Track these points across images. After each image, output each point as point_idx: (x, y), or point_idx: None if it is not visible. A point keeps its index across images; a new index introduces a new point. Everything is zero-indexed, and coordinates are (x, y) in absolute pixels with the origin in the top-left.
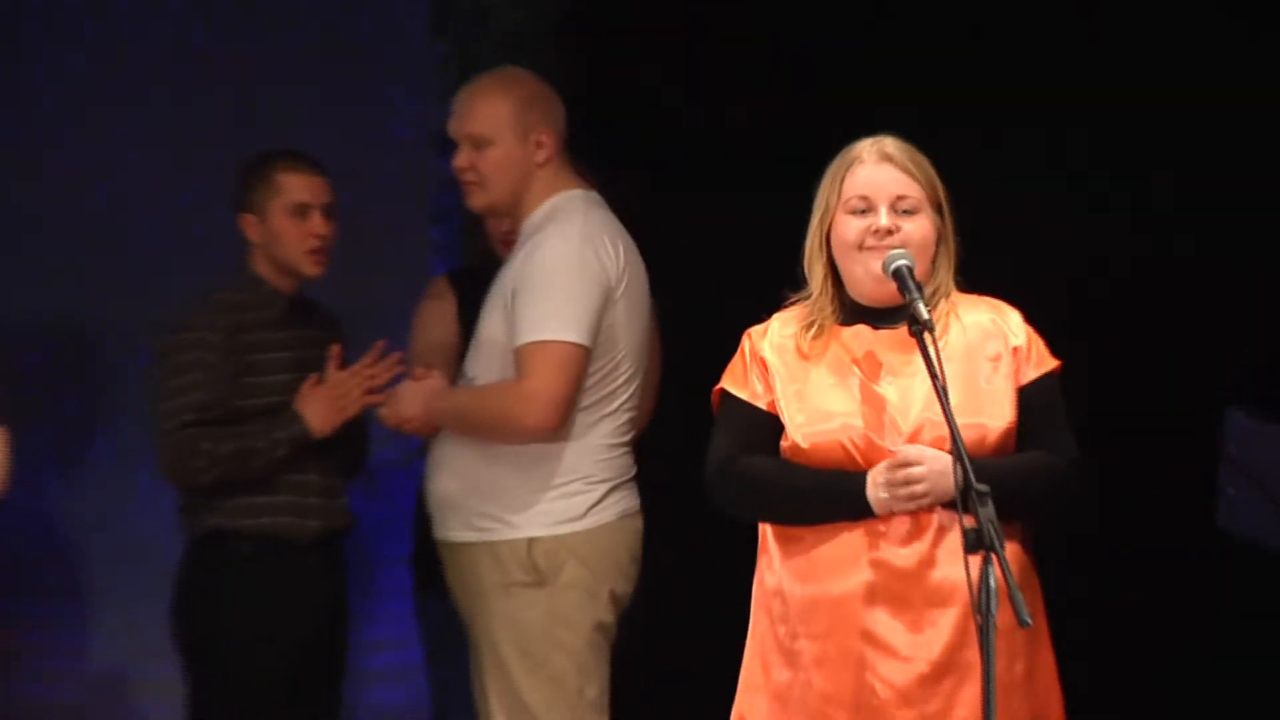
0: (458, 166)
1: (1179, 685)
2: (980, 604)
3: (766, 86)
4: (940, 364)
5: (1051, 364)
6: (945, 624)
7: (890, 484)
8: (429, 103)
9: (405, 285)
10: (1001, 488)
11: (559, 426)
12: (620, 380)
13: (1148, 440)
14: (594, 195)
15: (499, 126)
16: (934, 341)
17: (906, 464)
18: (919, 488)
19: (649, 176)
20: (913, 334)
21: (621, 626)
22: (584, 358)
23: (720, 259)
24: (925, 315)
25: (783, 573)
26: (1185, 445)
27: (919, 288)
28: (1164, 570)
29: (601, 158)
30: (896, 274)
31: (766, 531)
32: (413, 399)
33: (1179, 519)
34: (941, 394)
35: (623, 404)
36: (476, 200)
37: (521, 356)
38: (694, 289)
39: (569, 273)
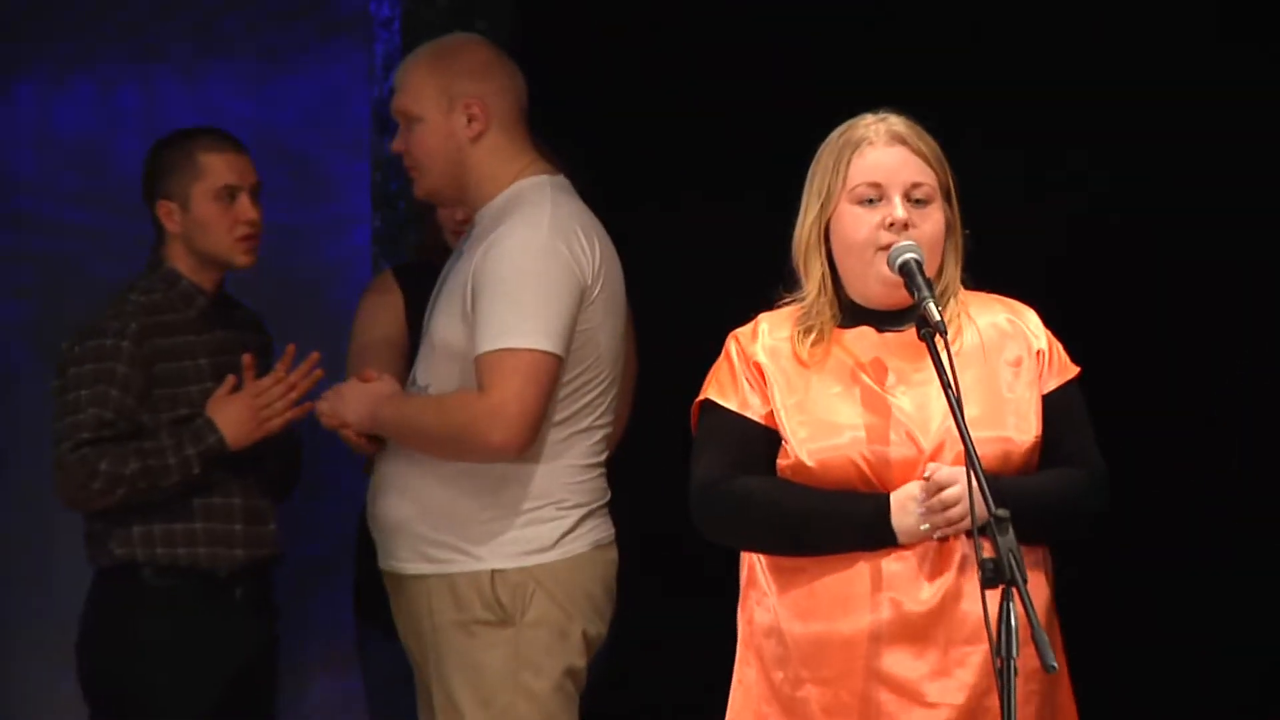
0: (395, 149)
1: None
2: (1000, 645)
3: (739, 80)
4: (954, 371)
5: (1073, 370)
6: (973, 664)
7: (930, 510)
8: (371, 79)
9: (343, 280)
10: (1027, 510)
11: (528, 446)
12: (596, 392)
13: None
14: (562, 180)
15: (422, 99)
16: (946, 346)
17: (941, 486)
18: (955, 511)
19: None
20: (922, 337)
21: (593, 671)
22: (556, 368)
23: (687, 259)
24: (937, 316)
25: (780, 609)
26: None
27: (929, 285)
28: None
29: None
30: (904, 269)
31: (756, 562)
32: (358, 401)
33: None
34: (955, 405)
35: (598, 419)
36: (418, 188)
37: (485, 366)
38: (665, 290)
39: (538, 270)
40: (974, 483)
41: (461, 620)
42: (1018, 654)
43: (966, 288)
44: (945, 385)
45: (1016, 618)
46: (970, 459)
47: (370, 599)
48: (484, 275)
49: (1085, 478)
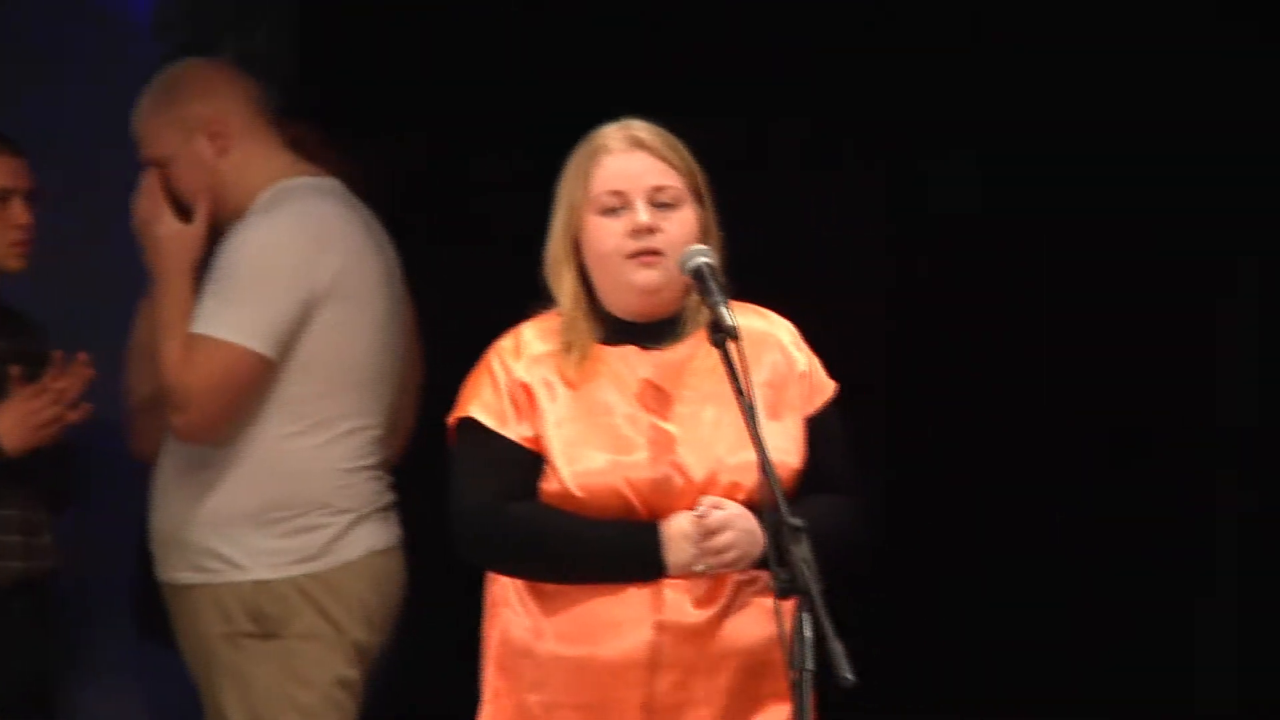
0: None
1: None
2: (795, 657)
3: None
4: (748, 379)
5: (830, 388)
6: (735, 690)
7: (703, 552)
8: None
9: (126, 287)
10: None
11: (208, 435)
12: (353, 394)
13: None
14: (327, 182)
15: (161, 141)
16: (740, 352)
17: (712, 531)
18: (729, 556)
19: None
20: (714, 343)
21: (373, 681)
22: (256, 365)
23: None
24: (730, 322)
25: (539, 630)
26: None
27: (722, 289)
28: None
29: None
30: (696, 273)
31: (507, 581)
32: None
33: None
34: (749, 413)
35: (361, 422)
36: (197, 222)
37: (190, 347)
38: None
39: (257, 267)
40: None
41: (228, 633)
42: (813, 665)
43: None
44: (739, 393)
45: (811, 629)
46: (765, 468)
47: (150, 611)
48: (213, 269)
49: (850, 507)
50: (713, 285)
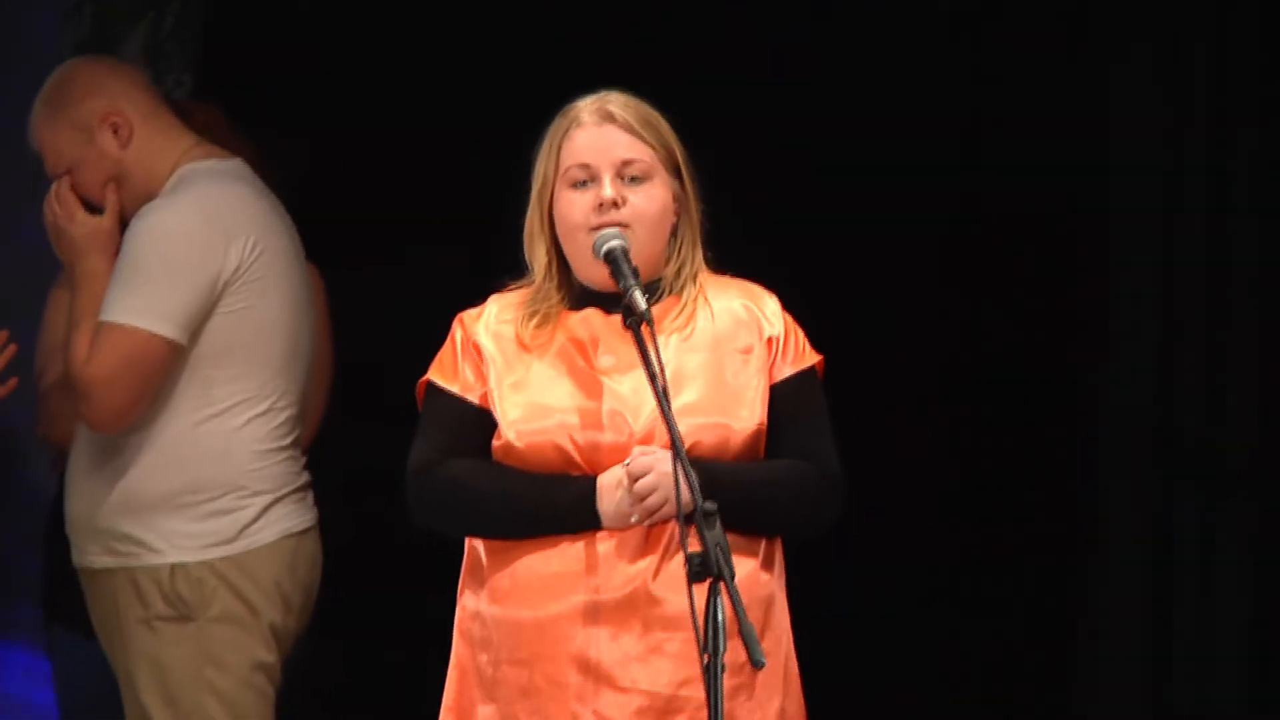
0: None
1: None
2: (706, 641)
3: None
4: (660, 361)
5: (812, 359)
6: (670, 651)
7: (633, 500)
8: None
9: (35, 270)
10: (743, 496)
11: (120, 423)
12: (265, 375)
13: None
14: (232, 165)
15: (62, 145)
16: (653, 337)
17: (637, 475)
18: (652, 499)
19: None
20: (628, 326)
21: (292, 666)
22: (163, 349)
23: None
24: (643, 305)
25: (486, 592)
26: None
27: (635, 273)
28: None
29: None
30: (609, 257)
31: (477, 546)
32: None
33: None
34: (661, 396)
35: (276, 402)
36: (109, 216)
37: (95, 336)
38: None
39: (160, 251)
40: (679, 475)
41: (145, 617)
42: (725, 649)
43: (711, 268)
44: (650, 376)
45: (724, 613)
46: (676, 449)
47: (62, 597)
48: (120, 255)
49: (814, 472)
50: (625, 269)
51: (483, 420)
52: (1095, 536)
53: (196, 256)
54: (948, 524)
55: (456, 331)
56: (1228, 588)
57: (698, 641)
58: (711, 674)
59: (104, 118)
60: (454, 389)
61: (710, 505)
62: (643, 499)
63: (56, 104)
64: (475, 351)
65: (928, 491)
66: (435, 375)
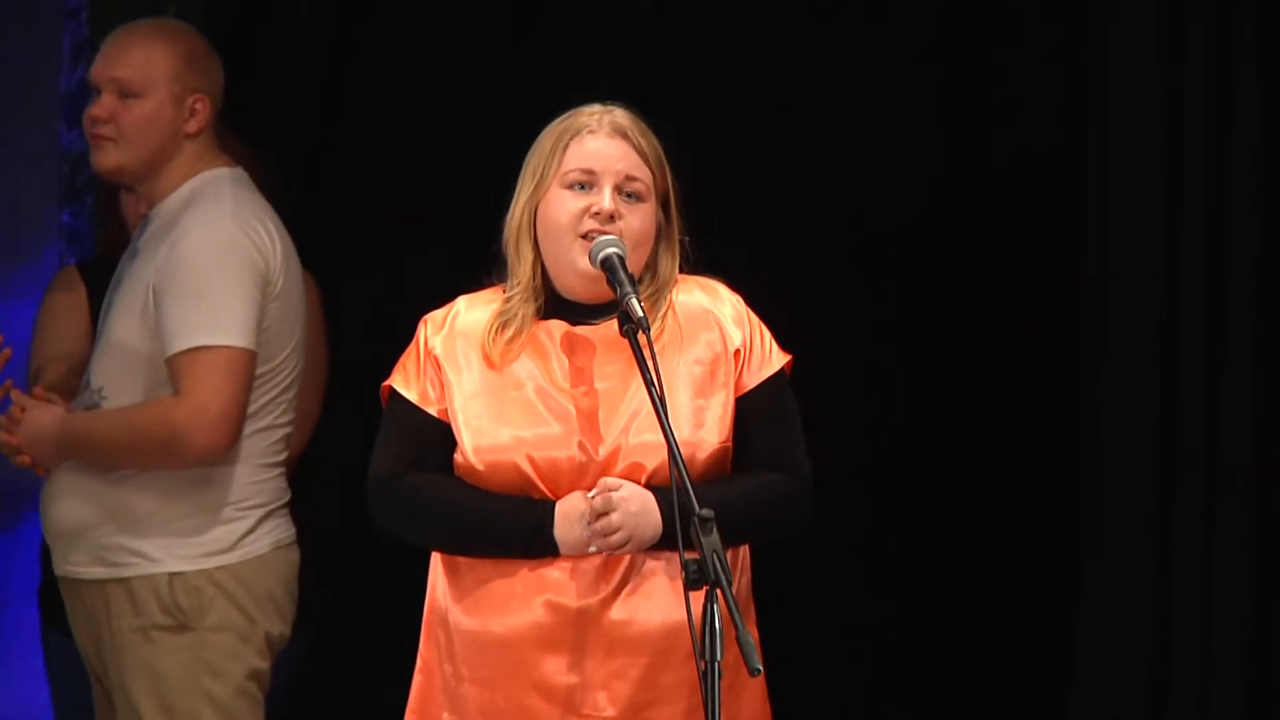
0: (95, 115)
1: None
2: (704, 648)
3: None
4: (657, 370)
5: (779, 361)
6: (631, 678)
7: (594, 533)
8: (60, 66)
9: (26, 278)
10: (722, 516)
11: (232, 445)
12: (277, 390)
13: None
14: (240, 173)
15: (155, 78)
16: (649, 345)
17: (601, 511)
18: (615, 538)
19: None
20: (624, 334)
21: (278, 673)
22: (250, 363)
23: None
24: (640, 313)
25: (449, 600)
26: None
27: (632, 280)
28: None
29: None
30: (606, 263)
31: None
32: (42, 430)
33: None
34: (659, 406)
35: (278, 418)
36: (108, 158)
37: (179, 368)
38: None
39: (223, 264)
40: (678, 481)
41: (140, 625)
42: (721, 656)
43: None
44: (648, 385)
45: (720, 620)
46: (672, 452)
47: (58, 601)
48: (168, 273)
49: (784, 483)
50: (623, 276)
51: (443, 431)
52: (1094, 535)
53: (250, 266)
54: (947, 523)
55: (420, 335)
56: (1227, 587)
57: (694, 648)
58: (709, 681)
59: (197, 99)
60: (413, 398)
61: (707, 512)
62: (603, 534)
63: (174, 48)
64: (435, 365)
65: (926, 491)
66: (397, 381)
